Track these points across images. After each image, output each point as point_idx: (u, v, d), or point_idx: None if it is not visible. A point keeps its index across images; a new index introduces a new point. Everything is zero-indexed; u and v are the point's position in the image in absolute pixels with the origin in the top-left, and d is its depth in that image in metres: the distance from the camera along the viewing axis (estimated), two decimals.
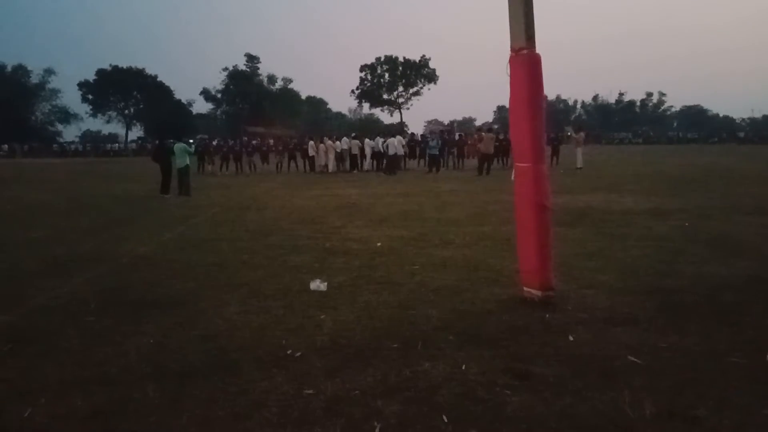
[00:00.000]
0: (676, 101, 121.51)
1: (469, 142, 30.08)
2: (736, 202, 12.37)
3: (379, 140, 28.34)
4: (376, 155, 28.37)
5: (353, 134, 32.63)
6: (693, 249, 7.62)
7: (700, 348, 4.16)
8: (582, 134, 29.58)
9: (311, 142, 29.51)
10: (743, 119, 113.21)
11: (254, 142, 35.44)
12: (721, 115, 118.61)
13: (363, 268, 6.95)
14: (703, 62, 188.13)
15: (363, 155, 28.80)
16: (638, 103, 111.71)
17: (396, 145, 27.05)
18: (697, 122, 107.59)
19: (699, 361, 3.92)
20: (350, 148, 28.75)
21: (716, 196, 13.68)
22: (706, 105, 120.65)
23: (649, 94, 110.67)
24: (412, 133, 40.16)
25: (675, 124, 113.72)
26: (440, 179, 22.23)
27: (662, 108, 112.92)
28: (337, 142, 29.17)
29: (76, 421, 3.30)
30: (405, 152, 28.83)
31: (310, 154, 28.80)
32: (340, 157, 28.77)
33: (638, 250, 7.65)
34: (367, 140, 29.39)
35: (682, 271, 6.44)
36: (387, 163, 26.80)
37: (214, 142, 35.25)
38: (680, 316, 4.88)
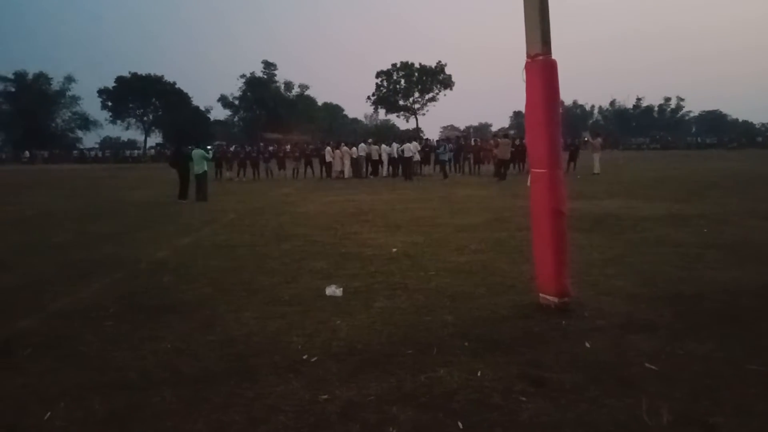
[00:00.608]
0: (694, 104, 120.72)
1: (485, 147, 30.06)
2: (755, 208, 12.22)
3: (395, 146, 28.43)
4: (393, 161, 28.45)
5: (369, 140, 32.71)
6: (711, 255, 7.54)
7: (718, 355, 4.12)
8: (599, 140, 29.44)
9: (328, 148, 29.60)
10: (762, 124, 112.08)
11: (271, 148, 35.60)
12: (740, 120, 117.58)
13: (378, 274, 6.96)
14: (723, 63, 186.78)
15: (380, 161, 28.88)
16: (656, 108, 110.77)
17: (411, 149, 27.03)
18: (716, 127, 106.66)
19: (717, 368, 3.88)
20: (369, 154, 28.84)
21: (734, 202, 13.54)
22: (725, 110, 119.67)
23: (667, 99, 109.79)
24: (427, 139, 40.12)
25: (693, 129, 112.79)
26: (456, 185, 22.18)
27: (680, 113, 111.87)
28: (354, 148, 29.26)
29: (94, 425, 3.34)
30: (420, 157, 28.77)
31: (327, 160, 28.87)
32: (356, 163, 28.84)
33: (656, 256, 7.60)
34: (383, 146, 29.47)
35: (700, 278, 6.38)
36: (404, 168, 26.84)
37: (232, 148, 35.47)
38: (698, 323, 4.84)
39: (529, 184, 5.56)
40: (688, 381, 3.69)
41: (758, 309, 5.19)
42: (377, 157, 28.85)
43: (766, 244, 8.25)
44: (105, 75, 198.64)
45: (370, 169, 29.15)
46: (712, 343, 4.34)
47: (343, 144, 30.38)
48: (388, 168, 28.86)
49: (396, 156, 27.90)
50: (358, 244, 9.05)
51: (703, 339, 4.43)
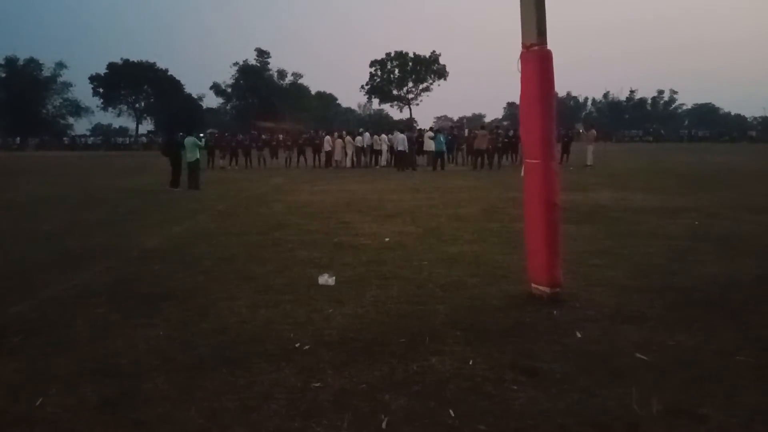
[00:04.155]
0: (688, 97, 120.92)
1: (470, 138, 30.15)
2: (746, 201, 12.30)
3: (398, 135, 28.36)
4: (392, 151, 28.38)
5: (361, 129, 32.62)
6: (702, 247, 7.58)
7: (708, 346, 4.15)
8: (593, 132, 29.49)
9: (327, 137, 29.54)
10: (755, 118, 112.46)
11: (264, 136, 35.49)
12: (732, 113, 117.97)
13: (371, 263, 6.96)
14: (716, 54, 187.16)
15: (380, 151, 28.88)
16: (649, 101, 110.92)
17: (401, 140, 26.82)
18: (709, 120, 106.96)
19: (707, 359, 3.92)
20: (372, 144, 28.83)
21: (726, 195, 13.61)
22: (717, 103, 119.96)
23: (661, 92, 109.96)
24: (420, 129, 40.09)
25: (686, 122, 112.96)
26: (449, 176, 22.19)
27: (673, 106, 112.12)
28: (358, 138, 29.29)
29: (86, 411, 3.34)
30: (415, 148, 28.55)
31: (326, 149, 28.81)
32: (359, 152, 28.89)
33: (647, 248, 7.63)
34: (383, 136, 29.42)
35: (691, 270, 6.42)
36: (397, 159, 26.69)
37: (226, 135, 35.35)
38: (688, 314, 4.87)
39: (522, 174, 5.56)
40: (678, 372, 3.72)
41: (748, 301, 5.23)
42: (379, 147, 28.80)
43: (757, 238, 8.30)
44: (96, 61, 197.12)
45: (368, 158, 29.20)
46: (702, 335, 4.37)
47: (343, 133, 30.42)
48: (387, 157, 28.79)
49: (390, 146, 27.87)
50: (351, 234, 9.05)
51: (693, 330, 4.47)
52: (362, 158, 29.16)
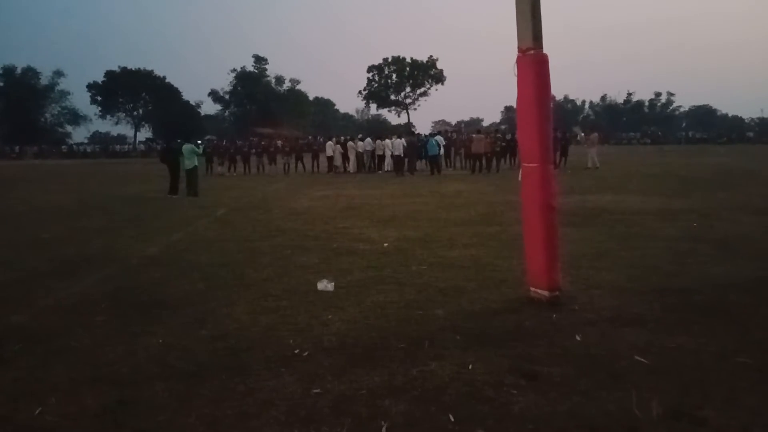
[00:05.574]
0: (685, 99, 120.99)
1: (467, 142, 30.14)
2: (745, 203, 12.30)
3: (395, 140, 28.32)
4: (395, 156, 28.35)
5: (359, 135, 32.66)
6: (701, 249, 7.59)
7: (708, 348, 4.15)
8: (595, 135, 29.44)
9: (329, 143, 29.64)
10: (752, 119, 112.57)
11: (263, 143, 35.51)
12: (730, 115, 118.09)
13: (370, 269, 6.96)
14: (713, 56, 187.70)
15: (383, 156, 28.84)
16: (647, 103, 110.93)
17: (398, 145, 26.77)
18: (706, 122, 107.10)
19: (707, 362, 3.91)
20: (374, 149, 28.87)
21: (725, 197, 13.61)
22: (715, 105, 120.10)
23: (658, 94, 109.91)
24: (418, 134, 40.06)
25: (684, 124, 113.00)
26: (446, 180, 22.18)
27: (671, 108, 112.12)
28: (360, 143, 29.34)
29: (85, 420, 3.34)
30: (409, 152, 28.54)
31: (329, 155, 28.89)
32: (361, 157, 28.95)
33: (646, 250, 7.63)
34: (386, 141, 29.40)
35: (690, 272, 6.43)
36: (395, 164, 26.62)
37: (224, 142, 35.41)
38: (688, 317, 4.87)
39: (520, 178, 5.57)
40: (677, 374, 3.72)
41: (747, 303, 5.23)
42: (381, 152, 28.77)
43: (756, 239, 8.30)
44: (94, 69, 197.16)
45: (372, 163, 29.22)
46: (701, 337, 4.37)
47: (344, 139, 30.56)
48: (390, 162, 28.71)
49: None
50: (350, 239, 9.05)
51: (692, 332, 4.47)
52: (361, 163, 29.09)
